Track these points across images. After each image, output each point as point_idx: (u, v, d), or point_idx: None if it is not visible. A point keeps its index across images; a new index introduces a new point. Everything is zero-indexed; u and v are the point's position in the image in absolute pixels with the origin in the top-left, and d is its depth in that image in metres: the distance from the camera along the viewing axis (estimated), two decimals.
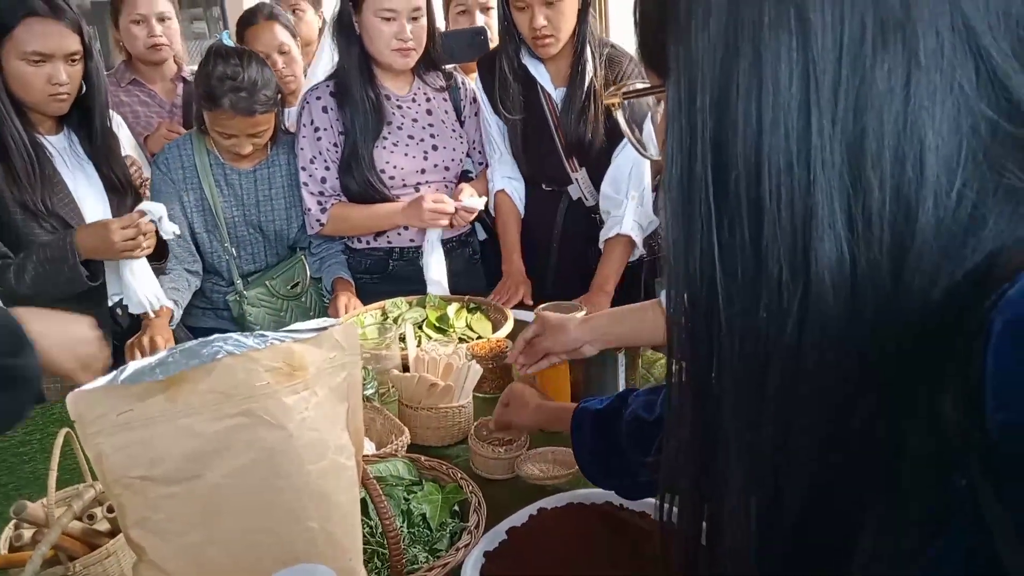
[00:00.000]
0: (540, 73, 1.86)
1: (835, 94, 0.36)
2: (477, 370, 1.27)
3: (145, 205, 1.63)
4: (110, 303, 1.75)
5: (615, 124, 1.74)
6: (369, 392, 1.31)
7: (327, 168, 1.89)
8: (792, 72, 0.37)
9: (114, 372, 0.70)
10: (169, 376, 0.66)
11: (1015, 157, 0.35)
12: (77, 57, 1.60)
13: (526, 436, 1.17)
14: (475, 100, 2.00)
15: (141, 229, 1.60)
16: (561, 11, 1.72)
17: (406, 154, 1.90)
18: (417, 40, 1.83)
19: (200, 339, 0.73)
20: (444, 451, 1.22)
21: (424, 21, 1.83)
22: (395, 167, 1.88)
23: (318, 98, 1.88)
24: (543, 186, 1.97)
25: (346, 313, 1.75)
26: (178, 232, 1.70)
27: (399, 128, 1.90)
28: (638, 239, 1.83)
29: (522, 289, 1.86)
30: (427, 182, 1.93)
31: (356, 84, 1.84)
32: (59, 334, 1.07)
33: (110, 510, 0.93)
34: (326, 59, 2.23)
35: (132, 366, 0.71)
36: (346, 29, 1.83)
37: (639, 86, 0.54)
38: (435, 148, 1.92)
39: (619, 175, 1.84)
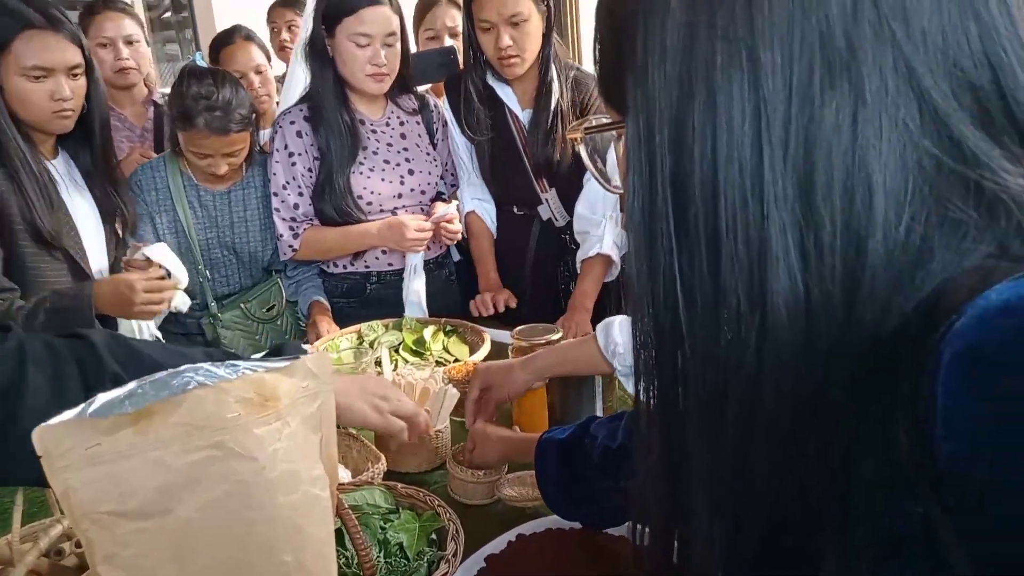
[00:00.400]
0: (507, 95, 1.88)
1: (786, 131, 0.37)
2: (454, 394, 1.26)
3: (161, 256, 1.60)
4: None
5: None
6: None
7: (300, 194, 1.88)
8: (744, 111, 0.38)
9: (82, 405, 0.69)
10: (139, 409, 0.65)
11: (958, 192, 0.37)
12: (79, 71, 1.55)
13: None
14: (446, 123, 2.01)
15: (164, 296, 1.55)
16: (527, 32, 1.74)
17: (383, 179, 1.90)
18: (391, 65, 1.82)
19: (170, 370, 0.72)
20: (422, 477, 1.21)
21: (398, 46, 1.83)
22: (372, 192, 1.88)
23: (292, 123, 1.87)
24: (514, 209, 1.98)
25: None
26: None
27: (374, 153, 1.90)
28: (617, 258, 1.84)
29: (501, 297, 1.88)
30: (404, 206, 1.93)
31: (330, 108, 1.83)
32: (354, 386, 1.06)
33: (79, 545, 0.91)
34: (299, 81, 2.22)
35: (101, 399, 0.70)
36: (319, 52, 1.82)
37: (602, 121, 0.55)
38: (411, 172, 1.93)
39: (594, 197, 1.84)
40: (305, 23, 2.15)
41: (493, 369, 1.22)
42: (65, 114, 1.54)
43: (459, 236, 1.95)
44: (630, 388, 1.27)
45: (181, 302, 1.63)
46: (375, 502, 1.02)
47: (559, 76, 1.82)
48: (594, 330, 1.21)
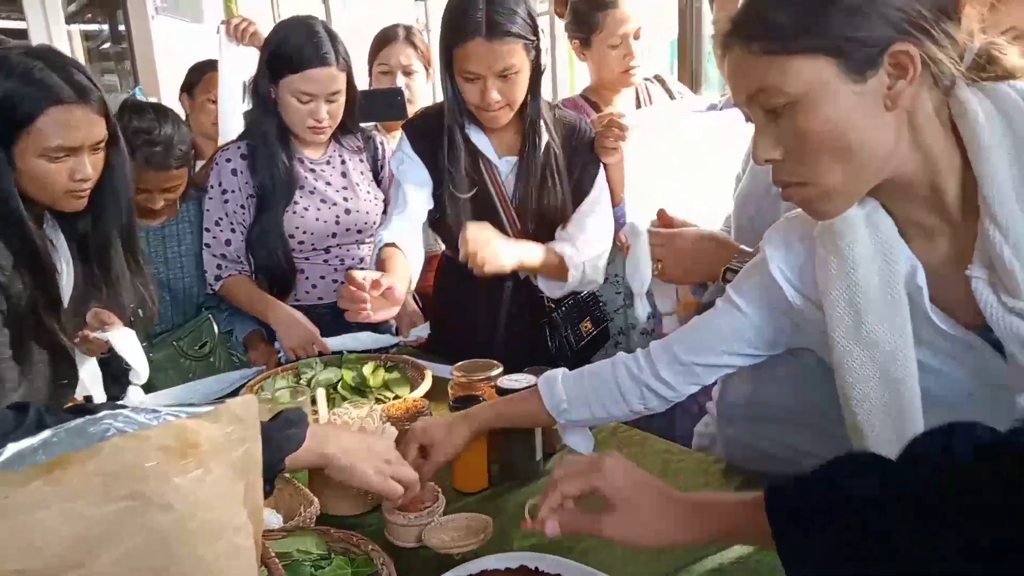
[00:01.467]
0: (482, 142, 1.72)
1: None
2: (392, 432, 1.25)
3: (124, 347, 1.45)
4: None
5: (574, 195, 1.69)
6: None
7: (232, 230, 1.87)
8: None
9: None
10: (52, 458, 0.63)
11: None
12: (101, 145, 1.37)
13: (440, 500, 1.15)
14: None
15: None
16: (516, 83, 1.59)
17: (317, 218, 1.89)
18: (333, 118, 1.82)
19: (88, 416, 0.70)
20: (358, 520, 1.19)
21: (342, 99, 1.82)
22: (304, 232, 1.87)
23: (228, 160, 1.88)
24: None
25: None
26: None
27: (311, 192, 1.89)
28: (573, 280, 1.70)
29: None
30: (339, 244, 1.92)
31: (269, 150, 1.82)
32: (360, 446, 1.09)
33: None
34: (234, 118, 2.21)
35: (12, 448, 0.67)
36: (262, 97, 1.83)
37: None
38: (348, 212, 1.92)
39: (582, 229, 1.73)
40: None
41: (430, 429, 1.19)
42: (80, 194, 1.35)
43: (401, 295, 1.66)
44: (570, 441, 1.25)
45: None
46: (306, 548, 1.00)
47: (547, 124, 1.69)
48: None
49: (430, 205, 1.74)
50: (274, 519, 1.13)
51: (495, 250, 1.56)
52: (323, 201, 1.90)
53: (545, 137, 1.68)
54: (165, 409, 0.71)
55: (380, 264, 1.61)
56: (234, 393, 1.63)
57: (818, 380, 1.19)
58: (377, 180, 2.00)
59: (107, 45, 5.14)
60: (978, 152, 0.75)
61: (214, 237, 1.87)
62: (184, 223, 1.90)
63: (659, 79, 2.32)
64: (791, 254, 0.94)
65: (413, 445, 1.19)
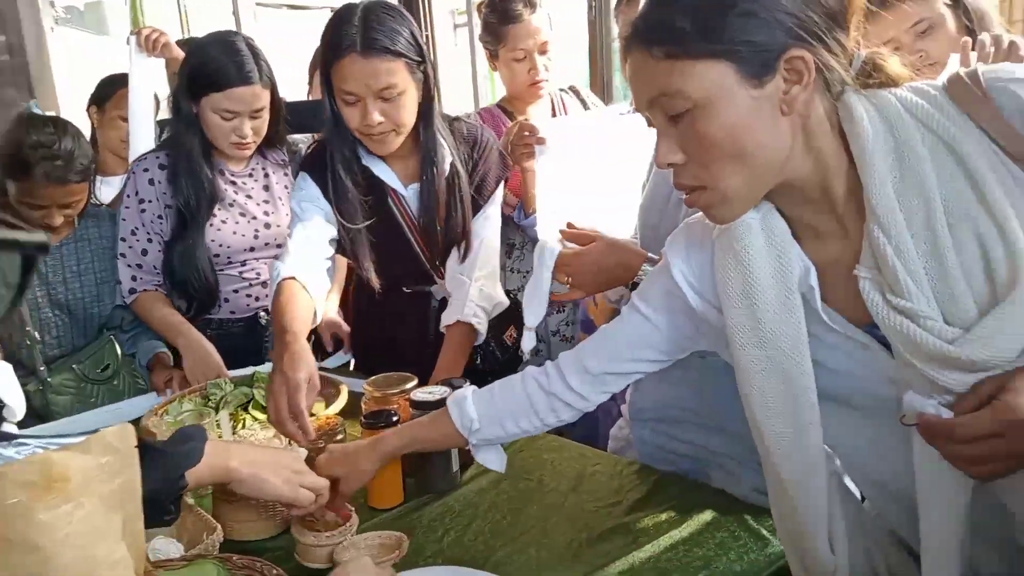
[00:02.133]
0: (384, 172, 1.61)
1: None
2: (300, 453, 1.21)
3: None
4: None
5: (476, 203, 1.65)
6: None
7: (149, 240, 1.82)
8: None
9: None
10: None
11: None
12: None
13: (353, 519, 1.13)
14: None
15: None
16: (401, 104, 1.47)
17: (234, 232, 1.85)
18: (257, 134, 1.79)
19: None
20: (265, 544, 1.15)
21: (266, 115, 1.78)
22: (221, 245, 1.83)
23: (145, 170, 1.82)
24: (403, 288, 1.74)
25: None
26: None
27: (231, 205, 1.85)
28: (481, 326, 1.62)
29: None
30: (256, 258, 1.89)
31: (193, 165, 1.78)
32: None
33: None
34: (145, 129, 2.14)
35: None
36: (184, 114, 1.78)
37: None
38: (267, 226, 1.88)
39: (476, 266, 1.65)
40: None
41: (335, 459, 1.16)
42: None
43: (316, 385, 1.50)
44: (482, 459, 1.20)
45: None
46: None
47: (449, 147, 1.60)
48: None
49: (332, 234, 1.60)
50: (173, 548, 1.08)
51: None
52: (242, 215, 1.86)
53: (447, 162, 1.60)
54: (34, 441, 0.67)
55: (277, 301, 1.44)
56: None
57: (723, 383, 1.22)
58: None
59: (5, 57, 4.89)
60: (863, 156, 0.78)
61: (130, 247, 1.81)
62: (83, 241, 1.81)
63: (574, 90, 2.34)
64: (692, 259, 0.96)
65: (321, 479, 1.12)
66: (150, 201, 1.81)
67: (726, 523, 1.13)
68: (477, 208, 1.67)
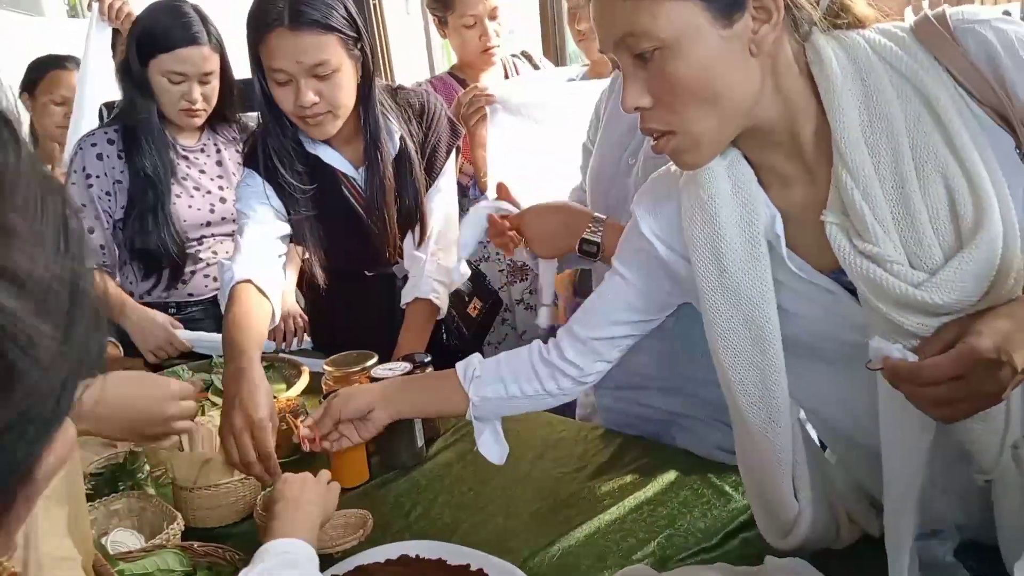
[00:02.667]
0: (331, 157, 1.54)
1: None
2: None
3: None
4: None
5: (429, 172, 1.62)
6: (140, 477, 1.20)
7: (96, 218, 1.79)
8: None
9: None
10: None
11: None
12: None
13: None
14: None
15: None
16: (336, 83, 1.38)
17: (190, 206, 1.83)
18: (208, 101, 1.78)
19: None
20: (229, 531, 1.14)
21: (216, 82, 1.78)
22: (178, 219, 1.80)
23: (93, 144, 1.80)
24: (364, 272, 1.70)
25: None
26: None
27: (184, 179, 1.83)
28: (440, 301, 1.60)
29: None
30: (212, 235, 1.87)
31: (153, 133, 1.77)
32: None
33: None
34: (88, 111, 2.08)
35: None
36: (135, 80, 1.76)
37: None
38: (223, 201, 1.86)
39: (437, 243, 1.61)
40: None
41: (349, 410, 1.12)
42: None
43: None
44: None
45: None
46: (167, 567, 0.95)
47: (395, 113, 1.55)
48: None
49: (284, 230, 1.54)
50: (133, 540, 1.07)
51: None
52: (196, 189, 1.84)
53: (395, 138, 1.55)
54: None
55: (231, 312, 1.36)
56: None
57: (684, 348, 1.23)
58: None
59: None
60: (831, 98, 0.77)
61: None
62: None
63: (526, 55, 2.32)
64: (660, 212, 0.95)
65: (326, 420, 1.13)
66: (98, 177, 1.79)
67: (689, 482, 1.14)
68: (432, 177, 1.63)
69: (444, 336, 1.74)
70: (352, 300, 1.72)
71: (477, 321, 1.84)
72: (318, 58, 1.35)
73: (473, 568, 0.95)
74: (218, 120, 1.89)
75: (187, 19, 1.73)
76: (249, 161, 1.55)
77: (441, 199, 1.64)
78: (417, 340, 1.56)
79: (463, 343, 1.75)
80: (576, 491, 1.16)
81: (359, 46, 1.42)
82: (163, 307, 1.84)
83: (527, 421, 1.40)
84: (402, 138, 1.56)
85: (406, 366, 1.30)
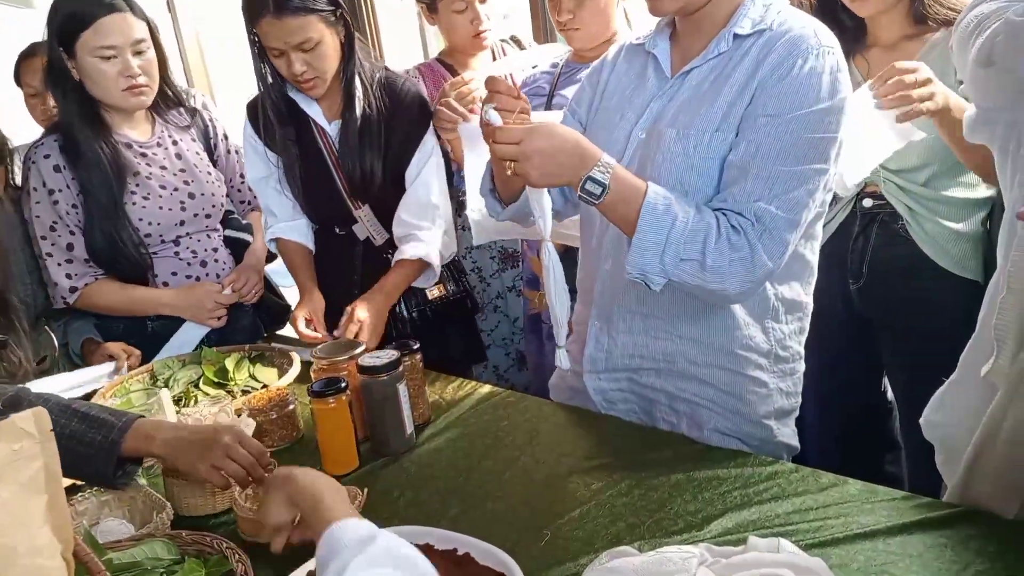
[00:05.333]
0: (312, 108, 1.74)
1: None
2: (248, 424, 1.20)
3: None
4: None
5: (398, 155, 1.73)
6: None
7: (72, 233, 1.69)
8: None
9: None
10: None
11: None
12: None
13: None
14: (227, 137, 1.90)
15: None
16: (322, 54, 1.60)
17: (161, 207, 1.74)
18: (148, 75, 1.67)
19: None
20: (217, 519, 1.14)
21: (152, 53, 1.67)
22: (150, 223, 1.72)
23: (46, 156, 1.67)
24: (335, 229, 1.83)
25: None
26: None
27: (148, 178, 1.73)
28: (437, 266, 1.76)
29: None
30: (187, 234, 1.79)
31: (85, 137, 1.65)
32: None
33: None
34: None
35: None
36: (61, 77, 1.64)
37: None
38: (192, 196, 1.79)
39: (417, 203, 1.74)
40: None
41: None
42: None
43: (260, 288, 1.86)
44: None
45: None
46: (156, 555, 0.95)
47: (366, 86, 1.70)
48: None
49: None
50: (124, 529, 1.07)
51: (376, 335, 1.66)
52: (163, 187, 1.75)
53: (360, 102, 1.69)
54: None
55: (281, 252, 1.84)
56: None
57: (686, 327, 1.23)
58: (213, 159, 1.88)
59: None
60: None
61: (53, 244, 1.67)
62: (2, 226, 1.70)
63: (515, 40, 2.30)
64: None
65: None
66: (60, 190, 1.67)
67: (683, 466, 1.14)
68: (407, 155, 1.74)
69: (404, 307, 1.82)
70: (320, 251, 1.87)
71: (439, 303, 1.87)
72: (302, 37, 1.56)
73: (460, 552, 0.95)
74: (164, 105, 1.78)
75: None
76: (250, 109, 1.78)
77: (425, 173, 1.74)
78: (398, 286, 1.73)
79: (426, 321, 1.83)
80: (566, 475, 1.16)
81: (339, 14, 1.61)
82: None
83: (516, 406, 1.41)
84: (366, 106, 1.70)
85: (393, 353, 1.29)
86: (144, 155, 1.75)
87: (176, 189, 1.77)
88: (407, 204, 1.74)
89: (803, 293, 1.27)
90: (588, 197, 1.10)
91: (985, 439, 1.00)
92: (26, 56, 2.27)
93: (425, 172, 1.74)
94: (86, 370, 1.62)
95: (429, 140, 1.75)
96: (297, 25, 1.53)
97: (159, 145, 1.79)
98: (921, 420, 1.17)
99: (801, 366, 1.31)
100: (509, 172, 1.11)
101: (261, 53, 1.65)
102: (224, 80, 4.83)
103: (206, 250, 1.81)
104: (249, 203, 1.99)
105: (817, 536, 0.95)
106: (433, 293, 1.82)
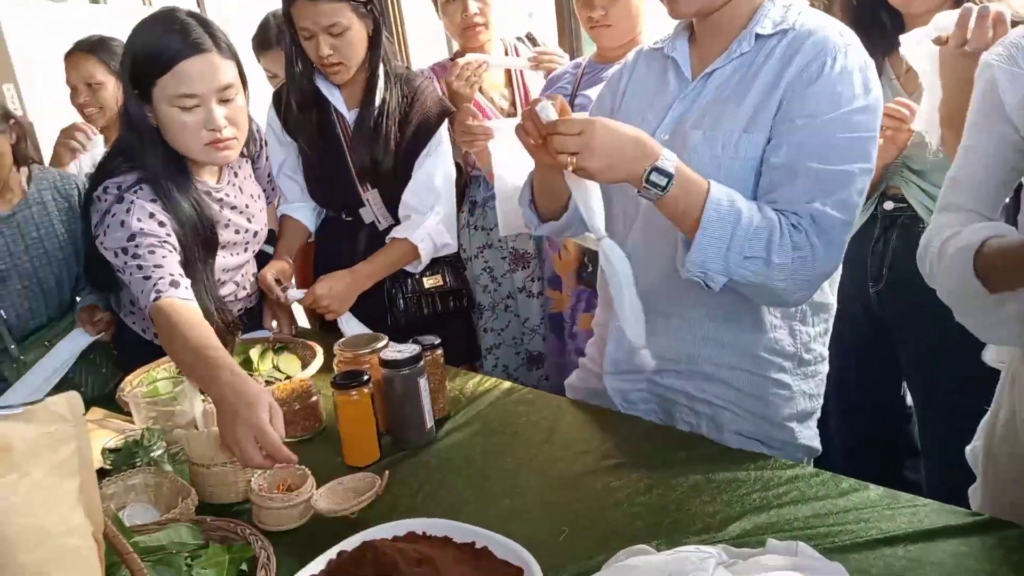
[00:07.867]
0: (334, 95, 1.83)
1: None
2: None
3: None
4: None
5: (411, 144, 1.78)
6: (157, 454, 1.22)
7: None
8: None
9: None
10: None
11: None
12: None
13: (311, 481, 1.12)
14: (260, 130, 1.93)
15: None
16: (349, 40, 1.70)
17: (233, 253, 1.64)
18: (236, 125, 1.45)
19: None
20: (242, 507, 1.15)
21: (241, 99, 1.46)
22: (223, 270, 1.62)
23: (132, 203, 1.40)
24: (342, 215, 1.92)
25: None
26: None
27: (226, 226, 1.58)
28: (425, 254, 1.82)
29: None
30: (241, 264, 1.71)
31: (176, 190, 1.44)
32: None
33: None
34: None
35: None
36: (139, 124, 1.44)
37: None
38: (255, 235, 1.69)
39: (422, 187, 1.81)
40: None
41: None
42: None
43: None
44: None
45: None
46: (181, 539, 0.97)
47: (388, 77, 1.79)
48: None
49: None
50: (149, 514, 1.09)
51: (341, 300, 1.77)
52: (237, 232, 1.62)
53: (380, 93, 1.78)
54: None
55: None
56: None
57: (706, 329, 1.23)
58: (255, 168, 1.79)
59: None
60: None
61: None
62: (37, 205, 1.73)
63: (530, 37, 2.30)
64: None
65: None
66: (163, 224, 1.42)
67: (702, 467, 1.14)
68: (419, 146, 1.81)
69: (400, 296, 1.89)
70: (326, 239, 1.98)
71: (434, 293, 1.93)
72: (332, 20, 1.67)
73: (478, 546, 0.95)
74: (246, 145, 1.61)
75: (183, 25, 1.39)
76: (275, 98, 1.90)
77: (433, 163, 1.82)
78: (379, 268, 1.83)
79: (408, 318, 1.88)
80: (584, 473, 1.16)
81: (369, 8, 1.72)
82: None
83: (534, 403, 1.41)
84: (384, 99, 1.78)
85: (415, 348, 1.30)
86: (220, 199, 1.58)
87: (245, 231, 1.65)
88: (412, 187, 1.83)
89: (829, 294, 1.26)
90: (653, 188, 1.05)
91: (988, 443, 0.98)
92: (69, 54, 2.29)
93: (431, 161, 1.82)
94: (54, 352, 1.68)
95: (442, 135, 1.84)
96: (329, 9, 1.65)
97: (228, 183, 1.62)
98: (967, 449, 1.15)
99: (824, 367, 1.30)
100: (570, 168, 1.05)
101: (293, 38, 1.75)
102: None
103: (238, 264, 1.71)
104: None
105: (836, 541, 0.94)
106: (429, 282, 1.91)
